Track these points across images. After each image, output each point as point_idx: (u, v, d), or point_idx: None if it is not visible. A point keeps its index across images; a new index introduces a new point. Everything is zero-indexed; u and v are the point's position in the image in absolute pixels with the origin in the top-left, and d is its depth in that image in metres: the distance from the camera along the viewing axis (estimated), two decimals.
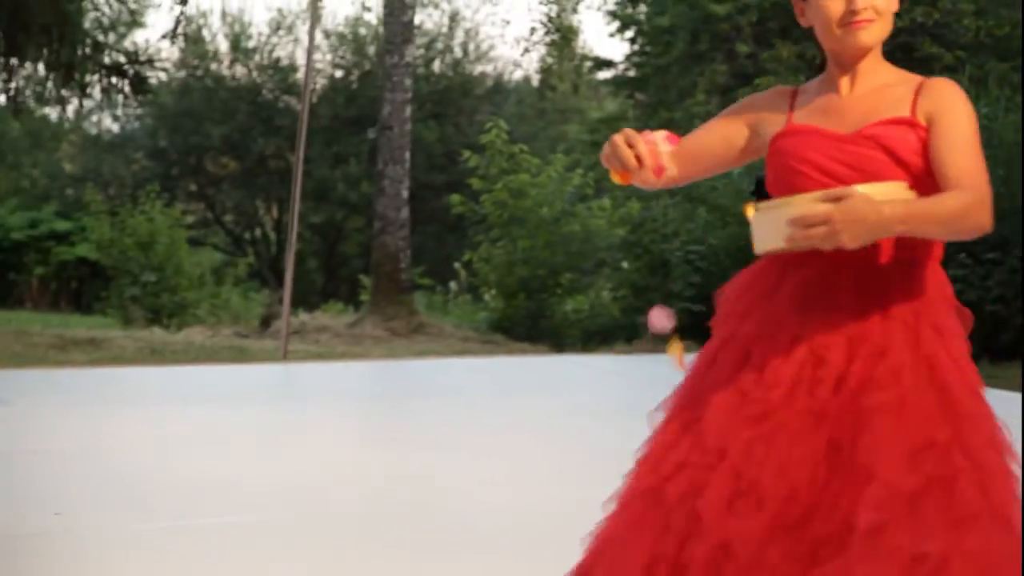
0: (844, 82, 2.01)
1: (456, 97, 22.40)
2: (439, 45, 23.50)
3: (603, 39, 43.72)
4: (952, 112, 1.99)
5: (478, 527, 3.92)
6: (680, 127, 18.64)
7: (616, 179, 1.91)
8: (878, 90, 2.02)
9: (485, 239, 15.52)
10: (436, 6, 23.61)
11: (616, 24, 22.36)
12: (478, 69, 25.23)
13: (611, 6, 22.72)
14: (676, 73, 20.55)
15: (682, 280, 13.31)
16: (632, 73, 22.87)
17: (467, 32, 24.98)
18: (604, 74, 24.98)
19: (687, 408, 2.06)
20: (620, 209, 15.48)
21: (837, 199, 1.71)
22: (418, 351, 12.77)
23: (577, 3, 25.97)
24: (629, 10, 21.90)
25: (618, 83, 24.21)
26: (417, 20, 19.59)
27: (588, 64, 27.63)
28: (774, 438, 1.89)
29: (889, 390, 1.87)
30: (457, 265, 17.91)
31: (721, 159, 2.17)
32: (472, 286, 17.61)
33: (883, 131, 1.96)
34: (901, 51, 17.19)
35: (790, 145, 2.01)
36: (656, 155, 1.69)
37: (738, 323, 2.06)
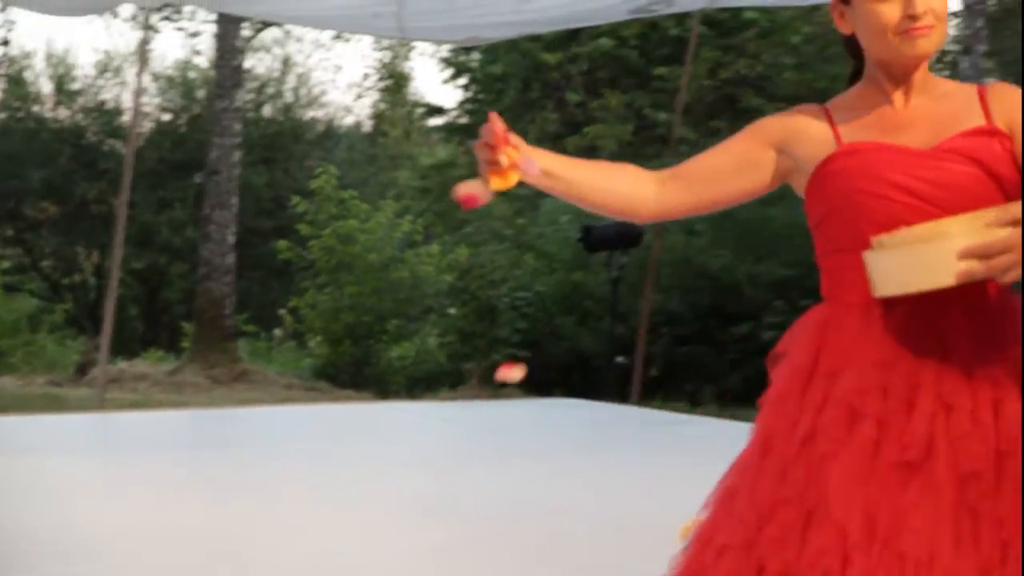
0: (898, 95, 1.88)
1: (286, 142, 22.37)
2: (270, 90, 23.47)
3: (435, 86, 44.60)
4: None
5: None
6: None
7: (496, 185, 1.75)
8: (938, 100, 1.91)
9: (311, 285, 15.62)
10: (268, 51, 23.46)
11: (449, 71, 22.37)
12: (309, 114, 25.17)
13: (444, 53, 22.50)
14: (508, 120, 20.05)
15: (509, 326, 13.53)
16: (464, 120, 22.64)
17: (299, 77, 24.95)
18: (436, 121, 24.72)
19: (783, 484, 1.85)
20: (448, 255, 15.63)
21: (1015, 221, 1.55)
22: (240, 399, 12.58)
23: (409, 50, 26.03)
24: (462, 57, 21.82)
25: (449, 129, 23.77)
26: (248, 64, 19.34)
27: (420, 110, 27.19)
28: (921, 504, 1.72)
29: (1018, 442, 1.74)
30: (282, 311, 17.98)
31: (743, 183, 1.99)
32: (297, 332, 17.73)
33: (967, 143, 1.84)
34: (724, 101, 18.08)
35: (856, 165, 1.86)
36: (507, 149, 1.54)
37: (829, 383, 1.84)
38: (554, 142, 18.71)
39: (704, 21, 13.97)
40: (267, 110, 24.00)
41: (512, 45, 18.28)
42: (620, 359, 12.12)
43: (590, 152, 18.96)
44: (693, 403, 12.32)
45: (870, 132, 1.83)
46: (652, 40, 18.37)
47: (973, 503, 1.64)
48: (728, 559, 1.82)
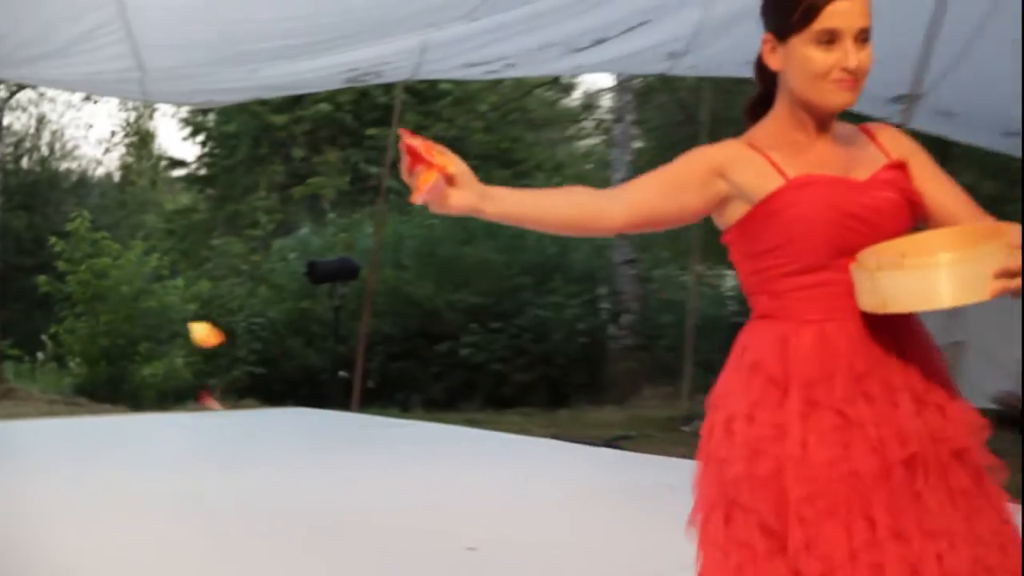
0: (814, 132, 1.95)
1: (44, 190, 22.67)
2: (27, 144, 23.73)
3: (177, 141, 43.16)
4: (918, 151, 2.05)
5: None
6: (245, 218, 21.59)
7: (421, 192, 1.76)
8: (838, 138, 2.00)
9: (70, 314, 15.51)
10: (24, 110, 23.57)
11: (188, 129, 23.04)
12: (64, 166, 25.42)
13: (184, 114, 22.91)
14: (241, 172, 21.46)
15: (246, 347, 14.29)
16: (203, 171, 23.42)
17: (53, 133, 25.01)
18: (178, 172, 25.48)
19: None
20: (192, 287, 16.53)
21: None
22: (6, 414, 12.54)
23: (153, 111, 26.45)
24: (200, 118, 22.07)
25: (191, 180, 24.42)
26: (6, 121, 19.63)
27: (164, 163, 27.46)
28: (932, 488, 1.86)
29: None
30: (44, 337, 17.88)
31: (684, 207, 1.99)
32: (58, 355, 17.45)
33: (891, 175, 1.96)
34: None
35: (811, 196, 1.91)
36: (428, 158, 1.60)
37: (807, 393, 1.93)
38: (281, 191, 20.86)
39: (407, 90, 14.51)
40: (25, 162, 24.01)
41: (243, 107, 18.91)
42: (343, 373, 12.61)
43: (314, 200, 20.52)
44: (404, 409, 13.04)
45: (803, 166, 1.90)
46: (364, 105, 19.65)
47: (961, 483, 1.84)
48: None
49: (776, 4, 1.98)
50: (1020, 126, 11.43)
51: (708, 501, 2.03)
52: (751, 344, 2.00)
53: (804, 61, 1.85)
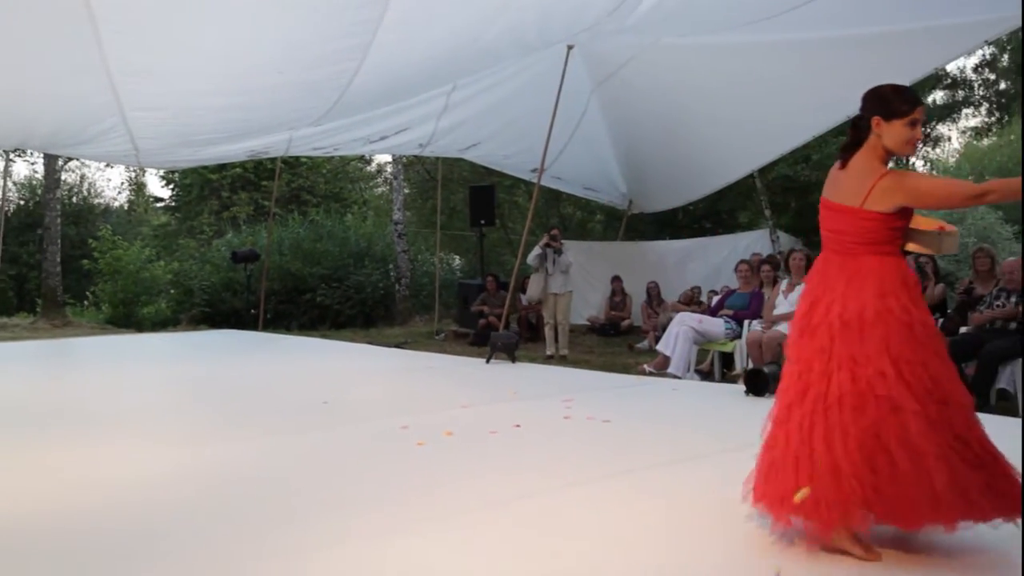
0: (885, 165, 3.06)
1: (85, 214, 25.93)
2: (75, 189, 26.92)
3: (158, 187, 42.77)
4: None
5: None
6: (196, 229, 22.69)
7: None
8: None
9: (101, 280, 18.61)
10: (72, 171, 25.91)
11: (164, 181, 25.31)
12: (96, 200, 28.43)
13: (161, 173, 25.29)
14: (193, 204, 23.94)
15: (199, 298, 16.79)
16: (173, 203, 25.99)
17: (89, 183, 28.25)
18: (159, 204, 28.13)
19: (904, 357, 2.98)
20: (168, 266, 19.20)
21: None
22: (70, 334, 14.64)
23: (144, 172, 28.98)
24: (170, 175, 24.52)
25: (166, 208, 26.52)
26: (63, 176, 22.05)
27: (151, 199, 30.45)
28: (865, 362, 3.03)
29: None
30: (88, 293, 21.68)
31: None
32: (96, 302, 20.45)
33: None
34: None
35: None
36: None
37: (831, 292, 3.16)
38: (216, 215, 22.98)
39: (283, 160, 16.72)
40: (75, 199, 27.00)
41: (193, 170, 21.85)
42: (252, 311, 15.05)
43: (233, 219, 21.57)
44: (287, 330, 14.84)
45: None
46: (260, 168, 22.19)
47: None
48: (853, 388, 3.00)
49: (891, 102, 3.11)
50: (594, 188, 15.04)
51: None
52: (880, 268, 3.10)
53: (900, 133, 2.98)
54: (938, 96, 29.69)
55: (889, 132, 3.00)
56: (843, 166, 3.27)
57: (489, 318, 12.23)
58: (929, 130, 29.61)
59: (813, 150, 14.41)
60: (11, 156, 17.36)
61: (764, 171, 13.42)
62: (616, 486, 3.97)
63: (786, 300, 8.02)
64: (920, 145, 21.88)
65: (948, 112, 29.95)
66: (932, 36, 8.61)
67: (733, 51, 9.97)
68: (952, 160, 26.33)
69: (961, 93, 29.38)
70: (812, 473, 2.96)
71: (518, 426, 5.40)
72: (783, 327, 7.65)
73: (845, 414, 2.98)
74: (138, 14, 6.79)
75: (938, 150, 30.76)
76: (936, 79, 25.56)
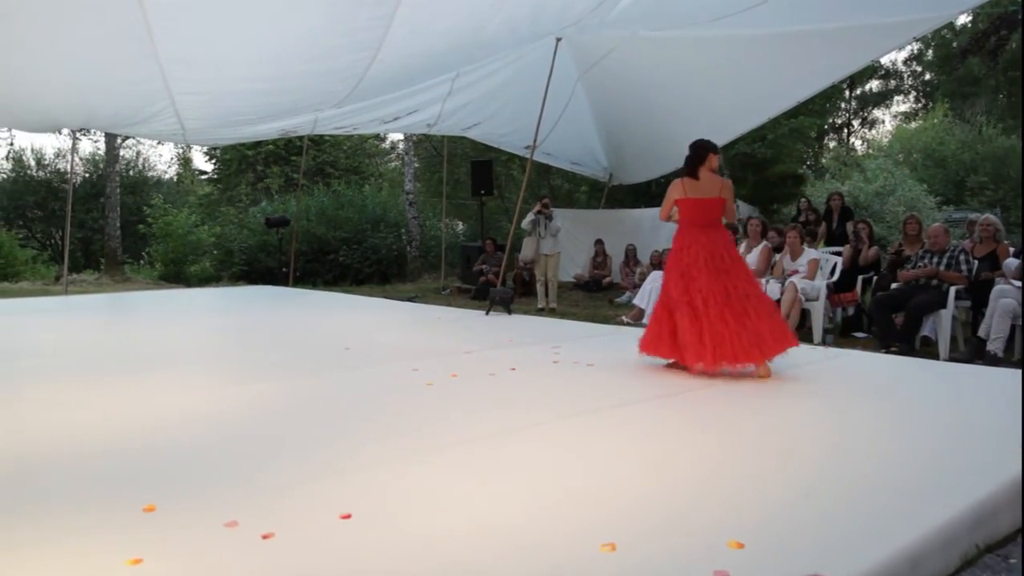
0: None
1: (140, 185, 25.15)
2: (132, 163, 26.34)
3: (202, 162, 37.58)
4: (727, 188, 5.04)
5: None
6: (235, 198, 22.16)
7: None
8: (712, 181, 4.96)
9: (155, 242, 18.31)
10: (130, 148, 25.51)
11: (207, 156, 24.98)
12: (150, 173, 27.83)
13: (205, 149, 25.35)
14: (232, 176, 23.48)
15: (238, 258, 16.76)
16: (215, 176, 25.60)
17: (144, 158, 27.40)
18: (203, 176, 27.85)
19: (684, 278, 4.92)
20: (212, 231, 18.73)
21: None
22: (128, 288, 14.89)
23: (191, 148, 28.25)
24: (213, 151, 24.15)
25: (209, 180, 26.37)
26: (121, 153, 21.52)
27: (196, 172, 29.86)
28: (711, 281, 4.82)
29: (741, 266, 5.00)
30: (143, 253, 21.51)
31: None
32: (150, 261, 20.00)
33: (719, 198, 5.00)
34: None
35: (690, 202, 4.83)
36: None
37: (692, 258, 4.92)
38: (252, 185, 22.78)
39: (309, 139, 16.22)
40: (131, 172, 26.48)
41: (232, 147, 21.72)
42: (284, 269, 14.78)
43: (267, 189, 21.21)
44: (313, 286, 14.53)
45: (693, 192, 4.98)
46: (289, 145, 21.70)
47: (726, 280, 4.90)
48: (671, 299, 5.03)
49: (713, 146, 5.12)
50: (579, 163, 14.98)
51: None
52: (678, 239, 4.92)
53: (715, 161, 5.04)
54: (874, 85, 30.29)
55: (712, 161, 5.10)
56: (695, 177, 5.23)
57: (488, 276, 12.19)
58: (866, 114, 30.01)
59: (768, 130, 14.36)
60: (78, 135, 16.92)
61: (726, 148, 13.25)
62: (600, 419, 3.99)
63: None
64: (858, 127, 22.40)
65: (882, 99, 30.59)
66: (869, 32, 8.74)
67: (700, 44, 9.94)
68: (885, 140, 26.44)
69: (893, 83, 30.18)
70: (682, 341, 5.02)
71: (514, 369, 5.40)
72: None
73: (711, 309, 4.93)
74: (183, 9, 6.79)
75: (874, 131, 31.20)
76: (872, 70, 26.40)
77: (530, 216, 10.54)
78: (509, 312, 9.27)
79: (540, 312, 9.93)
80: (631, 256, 12.99)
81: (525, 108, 11.55)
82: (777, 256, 7.94)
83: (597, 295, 12.40)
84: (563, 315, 9.47)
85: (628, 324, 8.47)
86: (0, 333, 7.74)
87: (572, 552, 2.32)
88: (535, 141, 10.45)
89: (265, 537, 2.42)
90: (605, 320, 8.83)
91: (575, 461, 3.21)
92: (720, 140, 12.25)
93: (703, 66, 10.34)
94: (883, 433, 3.63)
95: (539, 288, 10.57)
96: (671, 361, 5.14)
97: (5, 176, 26.09)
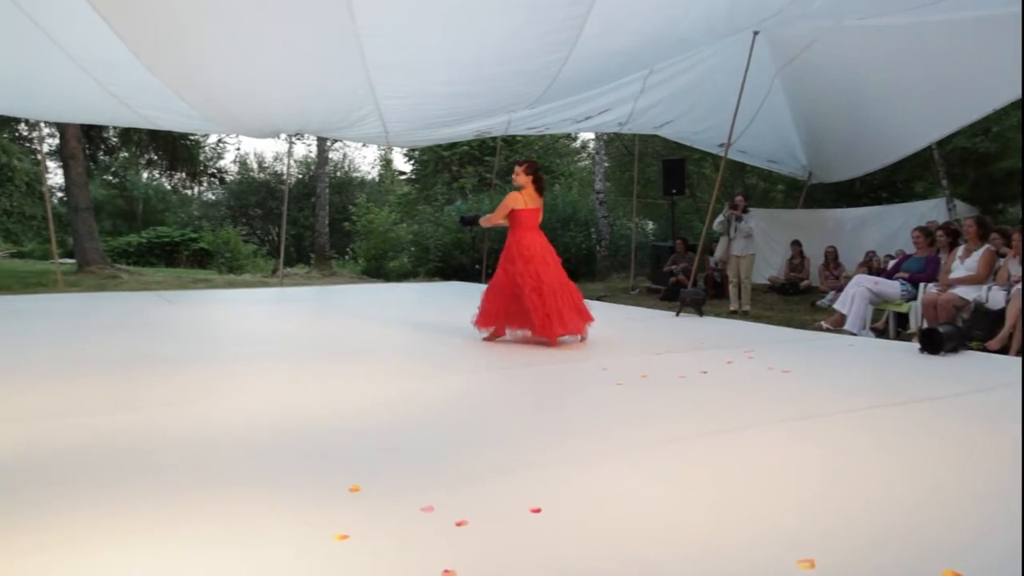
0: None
1: (346, 185, 28.30)
2: (339, 165, 29.20)
3: (402, 163, 39.99)
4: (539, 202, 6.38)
5: None
6: (432, 198, 22.17)
7: None
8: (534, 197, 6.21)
9: (359, 239, 20.12)
10: (337, 150, 28.35)
11: (407, 157, 25.92)
12: (355, 174, 30.54)
13: (404, 151, 26.51)
14: (429, 177, 24.28)
15: (433, 255, 17.48)
16: (413, 176, 26.65)
17: (350, 160, 30.36)
18: (402, 176, 28.95)
19: (532, 264, 6.11)
20: (410, 228, 19.99)
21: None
22: (335, 281, 15.73)
23: (392, 150, 30.12)
24: (412, 152, 25.13)
25: (408, 180, 27.26)
26: (330, 155, 22.38)
27: (396, 172, 31.48)
28: (549, 272, 6.12)
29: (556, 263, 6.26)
30: (348, 248, 22.80)
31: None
32: (354, 256, 21.54)
33: (538, 208, 6.40)
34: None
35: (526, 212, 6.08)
36: None
37: (530, 252, 6.13)
38: (447, 185, 23.90)
39: (502, 139, 17.17)
40: (338, 173, 28.82)
41: (429, 148, 23.42)
42: (476, 266, 15.33)
43: (461, 189, 22.17)
44: None
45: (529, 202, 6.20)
46: (483, 146, 22.82)
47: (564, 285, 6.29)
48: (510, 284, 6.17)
49: (538, 172, 6.43)
50: (776, 161, 14.66)
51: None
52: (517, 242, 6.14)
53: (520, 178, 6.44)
54: None
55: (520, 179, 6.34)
56: (529, 190, 6.46)
57: (678, 276, 12.03)
58: None
59: (993, 122, 13.25)
60: (293, 139, 17.88)
61: (942, 143, 12.54)
62: (796, 428, 3.82)
63: (962, 265, 7.36)
64: None
65: None
66: None
67: (913, 31, 9.33)
68: None
69: None
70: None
71: (705, 372, 5.31)
72: (959, 290, 7.09)
73: (554, 292, 6.13)
74: (388, 21, 7.20)
75: None
76: None
77: (720, 216, 10.36)
78: (700, 314, 9.13)
79: (732, 315, 9.74)
80: (831, 258, 12.45)
81: (719, 105, 11.36)
82: (1001, 260, 7.32)
83: (793, 298, 12.01)
84: (757, 318, 9.27)
85: (828, 330, 8.08)
86: (233, 321, 8.42)
87: (765, 564, 2.24)
88: (729, 139, 10.33)
89: (459, 524, 2.50)
90: (802, 325, 8.53)
91: (769, 470, 3.10)
92: (936, 135, 11.73)
93: (916, 55, 9.72)
94: None
95: (731, 290, 10.36)
96: (489, 332, 6.49)
97: (232, 178, 28.62)
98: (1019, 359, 5.86)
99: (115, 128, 19.48)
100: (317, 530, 2.49)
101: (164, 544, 2.39)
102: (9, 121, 19.82)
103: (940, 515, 2.64)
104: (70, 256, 17.33)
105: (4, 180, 21.79)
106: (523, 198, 6.37)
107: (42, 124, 15.84)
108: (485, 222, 6.70)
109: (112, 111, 9.59)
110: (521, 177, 6.50)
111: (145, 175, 30.88)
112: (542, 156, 23.97)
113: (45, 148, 19.87)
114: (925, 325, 7.19)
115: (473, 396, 4.52)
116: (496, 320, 6.32)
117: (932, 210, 12.48)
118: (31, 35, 7.21)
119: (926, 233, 8.46)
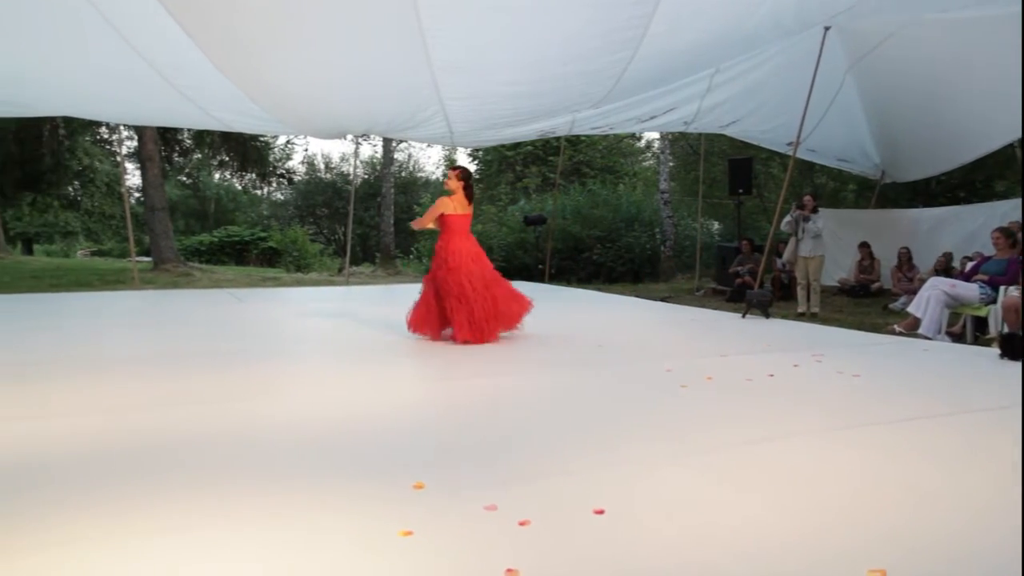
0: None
1: (410, 184, 29.03)
2: (404, 165, 29.93)
3: (466, 162, 40.54)
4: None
5: None
6: (496, 197, 22.95)
7: None
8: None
9: (422, 238, 19.87)
10: (403, 151, 28.97)
11: (471, 156, 26.30)
12: (419, 173, 31.21)
13: (469, 151, 26.65)
14: (493, 176, 24.76)
15: (498, 255, 16.42)
16: (477, 176, 25.72)
17: (415, 160, 30.91)
18: None
19: (457, 273, 6.33)
20: (473, 227, 17.01)
21: None
22: (399, 280, 16.04)
23: (456, 150, 29.49)
24: (476, 152, 25.58)
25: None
26: (395, 155, 22.86)
27: None
28: (474, 279, 6.32)
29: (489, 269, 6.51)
30: (412, 248, 22.30)
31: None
32: (418, 256, 20.94)
33: (469, 213, 6.55)
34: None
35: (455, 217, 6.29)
36: None
37: (456, 260, 6.35)
38: (511, 185, 24.29)
39: (566, 139, 17.43)
40: (403, 173, 29.26)
41: (493, 148, 23.69)
42: (540, 266, 15.28)
43: (524, 188, 22.44)
44: (567, 283, 14.97)
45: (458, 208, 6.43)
46: (547, 146, 23.28)
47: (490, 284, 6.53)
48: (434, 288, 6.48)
49: (469, 179, 6.64)
50: (847, 159, 14.25)
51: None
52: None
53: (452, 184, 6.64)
54: None
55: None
56: (459, 197, 6.69)
57: (744, 277, 11.89)
58: None
59: None
60: (360, 140, 17.95)
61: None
62: (866, 435, 3.73)
63: None
64: None
65: None
66: None
67: (997, 24, 9.00)
68: None
69: None
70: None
71: (772, 375, 5.25)
72: None
73: (484, 293, 6.38)
74: (454, 22, 7.27)
75: None
76: None
77: (788, 216, 10.19)
78: (767, 316, 9.01)
79: (800, 317, 9.56)
80: (904, 260, 12.15)
81: (788, 103, 11.16)
82: None
83: (864, 301, 11.72)
84: (826, 321, 9.08)
85: (901, 334, 7.84)
86: (298, 319, 8.63)
87: (834, 574, 2.19)
88: (798, 137, 10.03)
89: (522, 524, 2.52)
90: (874, 328, 8.30)
91: (836, 477, 3.04)
92: (1017, 132, 11.19)
93: (996, 49, 9.34)
94: None
95: (799, 292, 10.15)
96: (426, 336, 6.69)
97: (300, 178, 29.19)
98: None
99: (189, 130, 20.05)
100: (384, 525, 2.54)
101: (226, 539, 2.46)
102: (91, 124, 20.54)
103: (1013, 529, 2.53)
104: (146, 254, 17.91)
105: (86, 182, 22.64)
106: (453, 203, 6.60)
107: (121, 127, 16.45)
108: (415, 224, 6.96)
109: (187, 114, 9.89)
110: (452, 183, 6.71)
111: (217, 176, 32.03)
112: (606, 156, 24.13)
113: (124, 150, 20.83)
114: (1005, 330, 6.91)
115: (538, 395, 4.54)
116: (427, 324, 6.65)
117: (1014, 210, 11.97)
118: (110, 40, 7.49)
119: (1007, 234, 8.13)
